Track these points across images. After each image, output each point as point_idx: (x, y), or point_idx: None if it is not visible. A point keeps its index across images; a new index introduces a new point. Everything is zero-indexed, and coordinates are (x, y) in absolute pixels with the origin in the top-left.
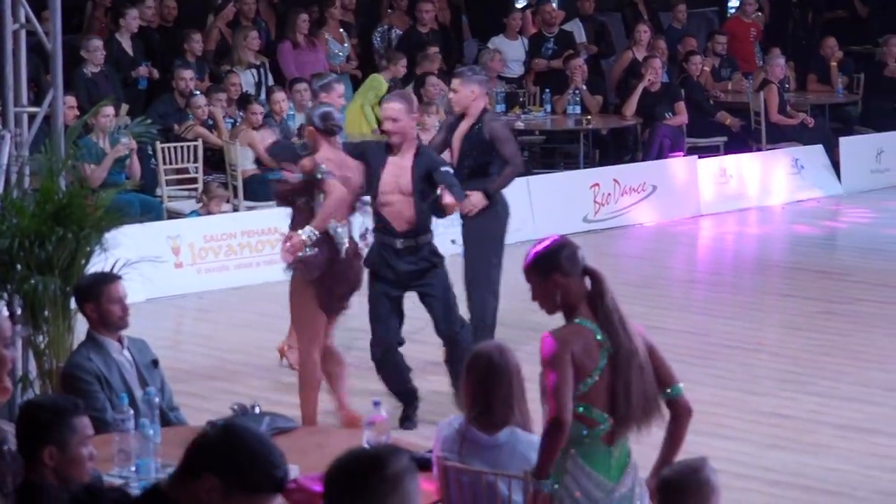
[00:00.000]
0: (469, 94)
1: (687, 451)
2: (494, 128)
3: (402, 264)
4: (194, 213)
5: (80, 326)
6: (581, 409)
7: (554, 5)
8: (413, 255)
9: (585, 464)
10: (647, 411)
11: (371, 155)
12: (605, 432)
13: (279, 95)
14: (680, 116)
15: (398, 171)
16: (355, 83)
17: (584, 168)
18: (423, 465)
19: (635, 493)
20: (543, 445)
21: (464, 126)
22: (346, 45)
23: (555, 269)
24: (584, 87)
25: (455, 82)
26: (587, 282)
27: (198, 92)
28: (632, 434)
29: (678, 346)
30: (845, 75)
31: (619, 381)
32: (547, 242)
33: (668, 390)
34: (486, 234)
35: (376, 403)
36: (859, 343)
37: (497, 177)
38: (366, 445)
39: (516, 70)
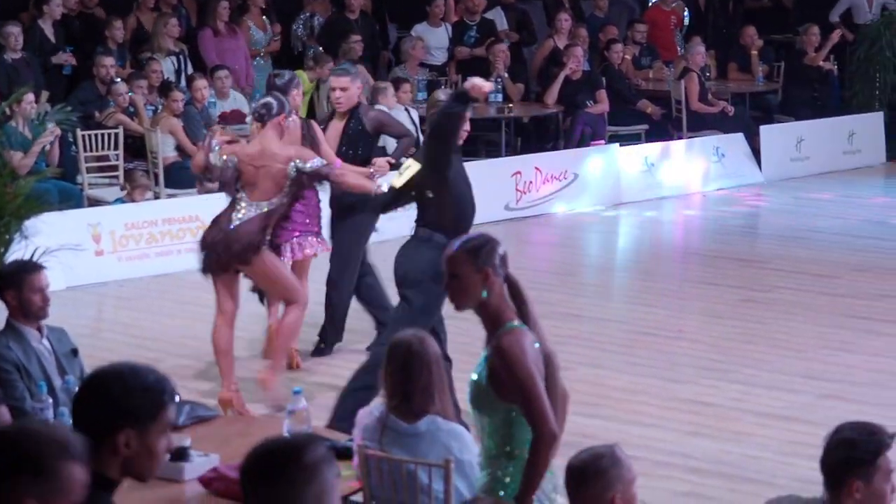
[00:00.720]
0: (357, 90)
1: (607, 438)
2: (375, 117)
3: None
4: (119, 200)
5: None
6: None
7: None
8: None
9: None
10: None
11: None
12: None
13: (200, 83)
14: (601, 105)
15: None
16: (279, 67)
17: (506, 156)
18: (343, 454)
19: None
20: (534, 467)
21: (338, 124)
22: (268, 32)
23: (489, 264)
24: (506, 75)
25: (343, 80)
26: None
27: (119, 79)
28: None
29: (598, 333)
30: (765, 64)
31: (553, 383)
32: (478, 235)
33: None
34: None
35: (296, 392)
36: (779, 331)
37: (398, 149)
38: (286, 434)
39: (440, 57)
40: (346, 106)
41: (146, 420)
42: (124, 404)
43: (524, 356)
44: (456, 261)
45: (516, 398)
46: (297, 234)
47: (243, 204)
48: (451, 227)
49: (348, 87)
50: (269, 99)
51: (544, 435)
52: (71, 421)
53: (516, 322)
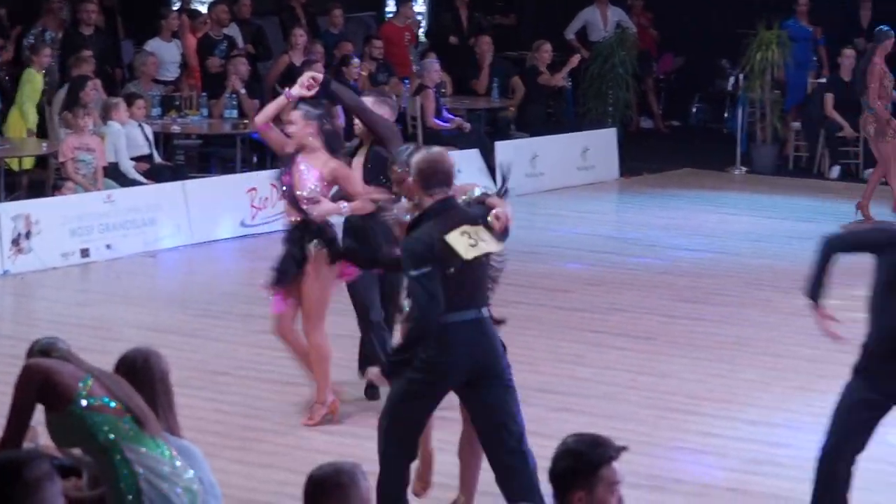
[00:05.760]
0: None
1: (339, 452)
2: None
3: None
4: None
5: None
6: None
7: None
8: None
9: None
10: None
11: None
12: None
13: None
14: (336, 120)
15: None
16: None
17: (242, 172)
18: (70, 471)
19: None
20: None
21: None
22: None
23: None
24: (243, 91)
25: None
26: None
27: None
28: None
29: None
30: (500, 80)
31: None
32: None
33: None
34: None
35: None
36: (513, 345)
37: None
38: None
39: (173, 72)
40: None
41: None
42: None
43: None
44: None
45: None
46: None
47: None
48: None
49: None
50: None
51: None
52: None
53: None
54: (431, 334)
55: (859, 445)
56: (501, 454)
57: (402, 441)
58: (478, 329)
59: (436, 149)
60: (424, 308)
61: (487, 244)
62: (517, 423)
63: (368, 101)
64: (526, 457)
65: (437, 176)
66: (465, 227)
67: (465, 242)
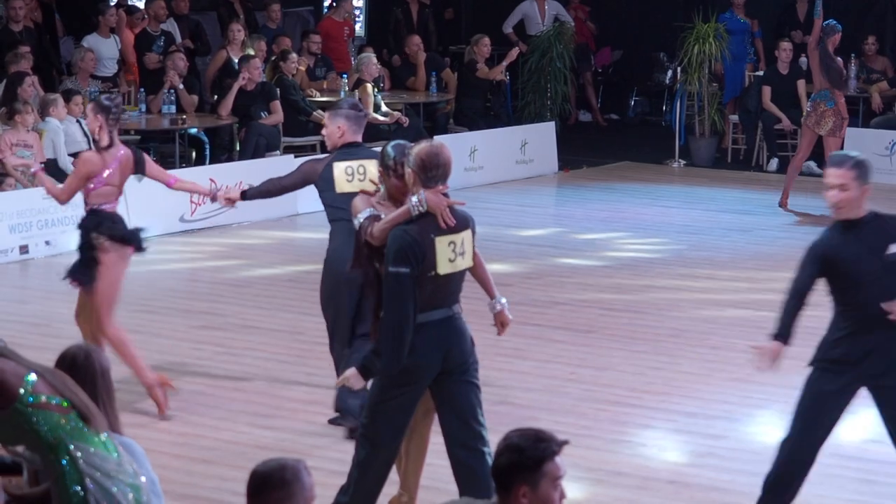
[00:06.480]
0: (335, 129)
1: (279, 448)
2: None
3: None
4: None
5: None
6: None
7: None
8: None
9: None
10: None
11: None
12: None
13: None
14: (275, 116)
15: None
16: None
17: (180, 168)
18: (10, 468)
19: None
20: None
21: None
22: None
23: None
24: (182, 86)
25: (325, 116)
26: None
27: None
28: None
29: (273, 344)
30: (438, 74)
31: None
32: None
33: None
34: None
35: None
36: None
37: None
38: None
39: (111, 68)
40: (328, 145)
41: None
42: None
43: None
44: None
45: None
46: None
47: None
48: None
49: (326, 124)
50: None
51: None
52: None
53: None
54: (397, 334)
55: (822, 435)
56: (460, 450)
57: (379, 448)
58: (447, 326)
59: (437, 141)
60: (389, 307)
61: (465, 259)
62: (479, 422)
63: (326, 115)
64: (483, 457)
65: (438, 168)
66: (454, 237)
67: (447, 254)
